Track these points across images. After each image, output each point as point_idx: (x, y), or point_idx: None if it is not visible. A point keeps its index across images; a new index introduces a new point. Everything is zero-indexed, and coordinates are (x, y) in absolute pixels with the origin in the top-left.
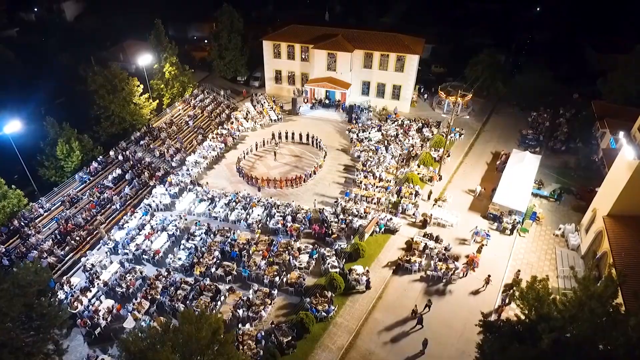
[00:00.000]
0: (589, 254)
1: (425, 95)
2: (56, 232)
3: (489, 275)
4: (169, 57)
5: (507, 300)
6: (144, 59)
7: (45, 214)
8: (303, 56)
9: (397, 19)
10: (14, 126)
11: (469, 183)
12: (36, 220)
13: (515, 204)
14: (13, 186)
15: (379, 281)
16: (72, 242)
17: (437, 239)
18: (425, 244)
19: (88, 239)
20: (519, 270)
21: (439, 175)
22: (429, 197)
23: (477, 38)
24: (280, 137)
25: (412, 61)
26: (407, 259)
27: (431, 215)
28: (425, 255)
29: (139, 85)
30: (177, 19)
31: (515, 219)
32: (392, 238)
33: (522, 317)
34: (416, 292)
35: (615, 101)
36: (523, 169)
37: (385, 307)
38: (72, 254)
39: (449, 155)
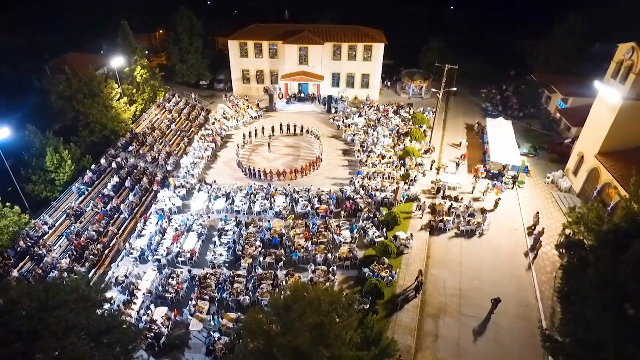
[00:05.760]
0: (584, 191)
1: (388, 84)
2: (70, 248)
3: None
4: (139, 59)
5: (539, 239)
6: (116, 62)
7: (50, 230)
8: (271, 53)
9: (332, 22)
10: (2, 134)
11: (458, 150)
12: (44, 238)
13: (511, 160)
14: (8, 204)
15: (422, 243)
16: (91, 257)
17: (457, 199)
18: (451, 204)
19: (106, 252)
20: (537, 212)
21: (432, 146)
22: (431, 167)
23: (411, 37)
24: (269, 131)
25: (379, 49)
26: (440, 218)
27: (441, 181)
28: (452, 215)
29: (115, 89)
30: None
31: (513, 174)
32: (416, 205)
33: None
34: (458, 247)
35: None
36: (503, 131)
37: (437, 264)
38: (94, 270)
39: (432, 129)
